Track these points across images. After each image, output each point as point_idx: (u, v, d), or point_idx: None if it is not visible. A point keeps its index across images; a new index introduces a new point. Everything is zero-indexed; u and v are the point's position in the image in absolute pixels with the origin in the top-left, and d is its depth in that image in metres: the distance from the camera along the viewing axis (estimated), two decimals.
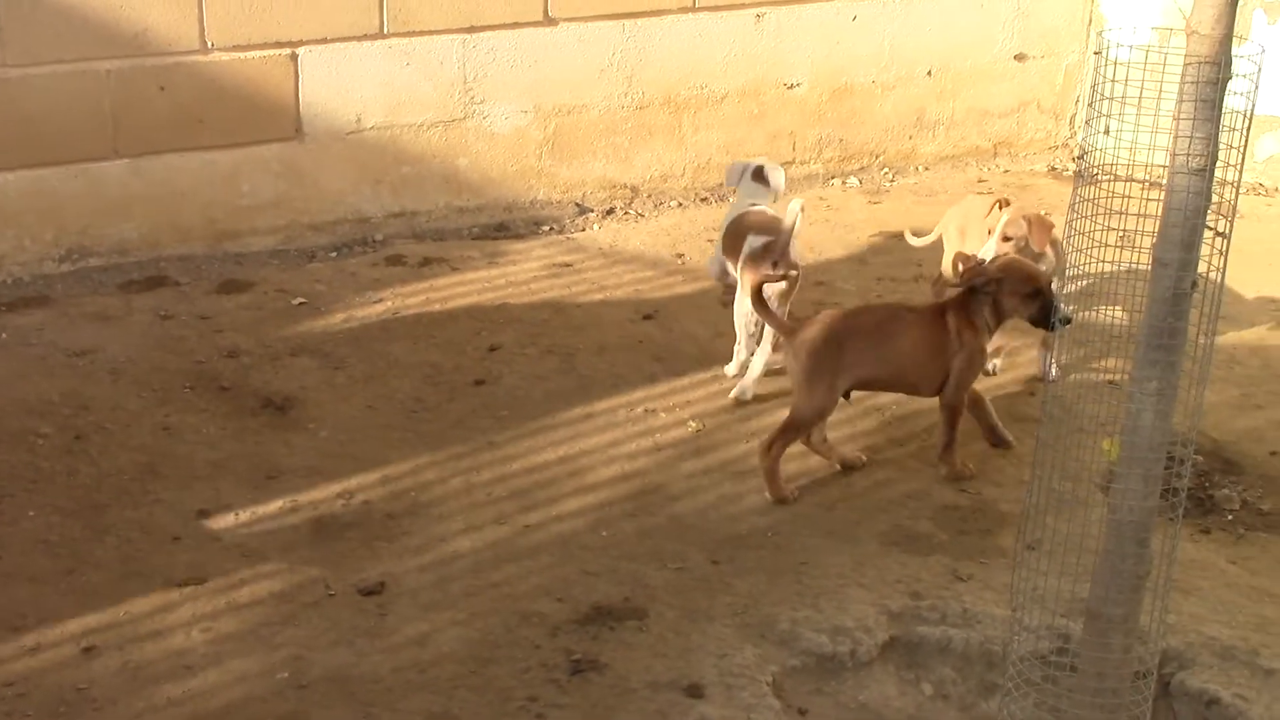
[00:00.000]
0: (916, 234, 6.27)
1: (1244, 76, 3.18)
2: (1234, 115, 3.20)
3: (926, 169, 8.27)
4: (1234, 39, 3.12)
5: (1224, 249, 3.30)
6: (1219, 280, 3.30)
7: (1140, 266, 3.34)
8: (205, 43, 6.55)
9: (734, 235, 5.82)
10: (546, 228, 7.28)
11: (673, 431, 5.39)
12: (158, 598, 4.34)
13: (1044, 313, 4.95)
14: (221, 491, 4.91)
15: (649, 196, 7.63)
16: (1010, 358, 5.91)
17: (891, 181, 8.11)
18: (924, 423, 5.43)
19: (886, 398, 5.55)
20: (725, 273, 5.79)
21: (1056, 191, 7.81)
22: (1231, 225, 3.31)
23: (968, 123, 8.37)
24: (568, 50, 7.27)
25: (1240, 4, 3.14)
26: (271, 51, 6.69)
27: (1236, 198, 3.30)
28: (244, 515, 4.79)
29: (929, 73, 8.18)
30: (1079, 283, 3.56)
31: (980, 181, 8.13)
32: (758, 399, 5.58)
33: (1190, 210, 3.18)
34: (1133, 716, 3.48)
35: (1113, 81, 3.28)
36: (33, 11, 6.22)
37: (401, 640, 4.18)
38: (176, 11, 6.46)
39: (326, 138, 6.90)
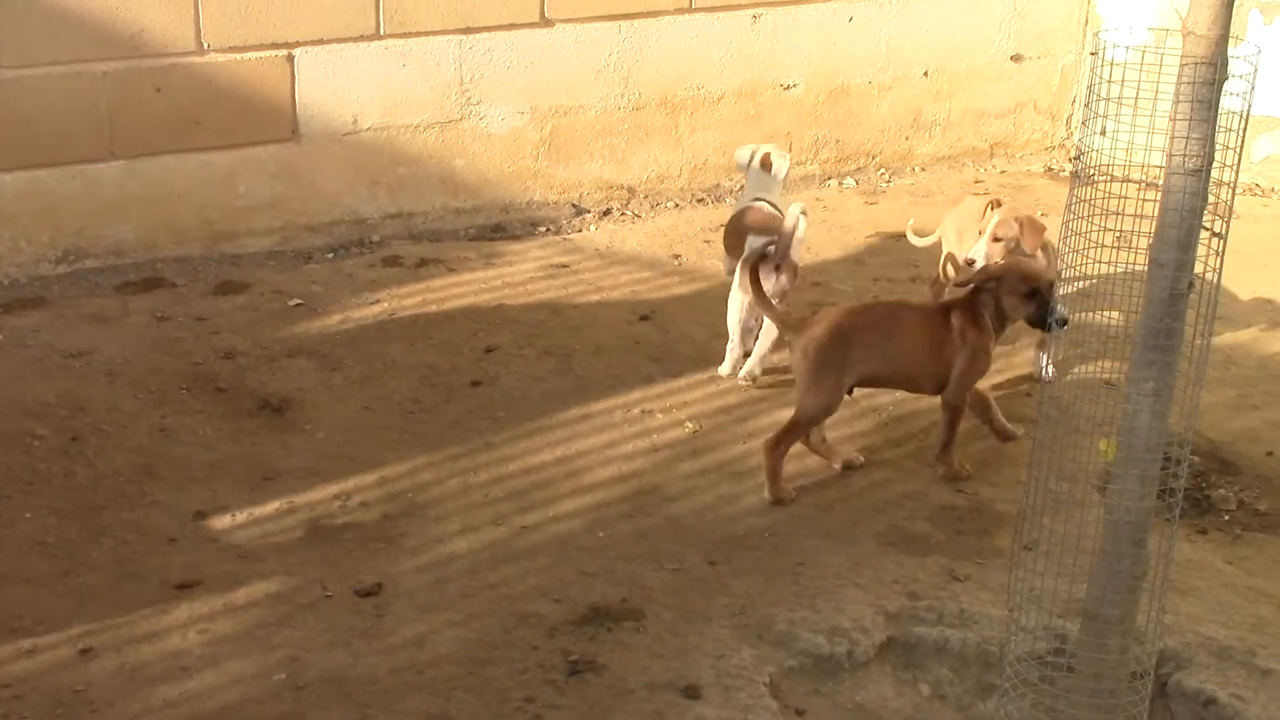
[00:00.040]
0: (919, 234, 6.27)
1: (1240, 77, 3.18)
2: (1230, 116, 3.20)
3: (923, 170, 8.27)
4: (1230, 39, 3.12)
5: (1220, 249, 3.30)
6: (1215, 281, 3.30)
7: (1137, 267, 3.35)
8: (201, 44, 6.55)
9: (734, 234, 5.84)
10: (543, 229, 7.28)
11: (669, 432, 5.39)
12: (154, 599, 4.34)
13: (1041, 313, 4.95)
14: (218, 493, 4.91)
15: (646, 197, 7.63)
16: (1007, 359, 5.91)
17: (888, 182, 8.12)
18: (921, 423, 5.44)
19: (884, 398, 5.56)
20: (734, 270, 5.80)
21: (1053, 192, 7.82)
22: (1228, 226, 3.31)
23: (964, 123, 8.38)
24: (564, 51, 7.27)
25: (1236, 4, 3.15)
26: (268, 53, 6.68)
27: (1233, 198, 3.30)
28: (241, 517, 4.79)
29: (925, 73, 8.19)
30: (1075, 283, 3.56)
31: (977, 182, 8.13)
32: (754, 399, 5.59)
33: (1187, 211, 3.18)
34: (1130, 717, 3.48)
35: (1109, 82, 3.28)
36: (28, 13, 6.22)
37: (398, 641, 4.18)
38: (172, 13, 6.46)
39: (323, 139, 6.90)
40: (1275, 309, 6.51)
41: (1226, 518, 4.99)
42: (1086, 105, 3.37)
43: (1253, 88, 3.21)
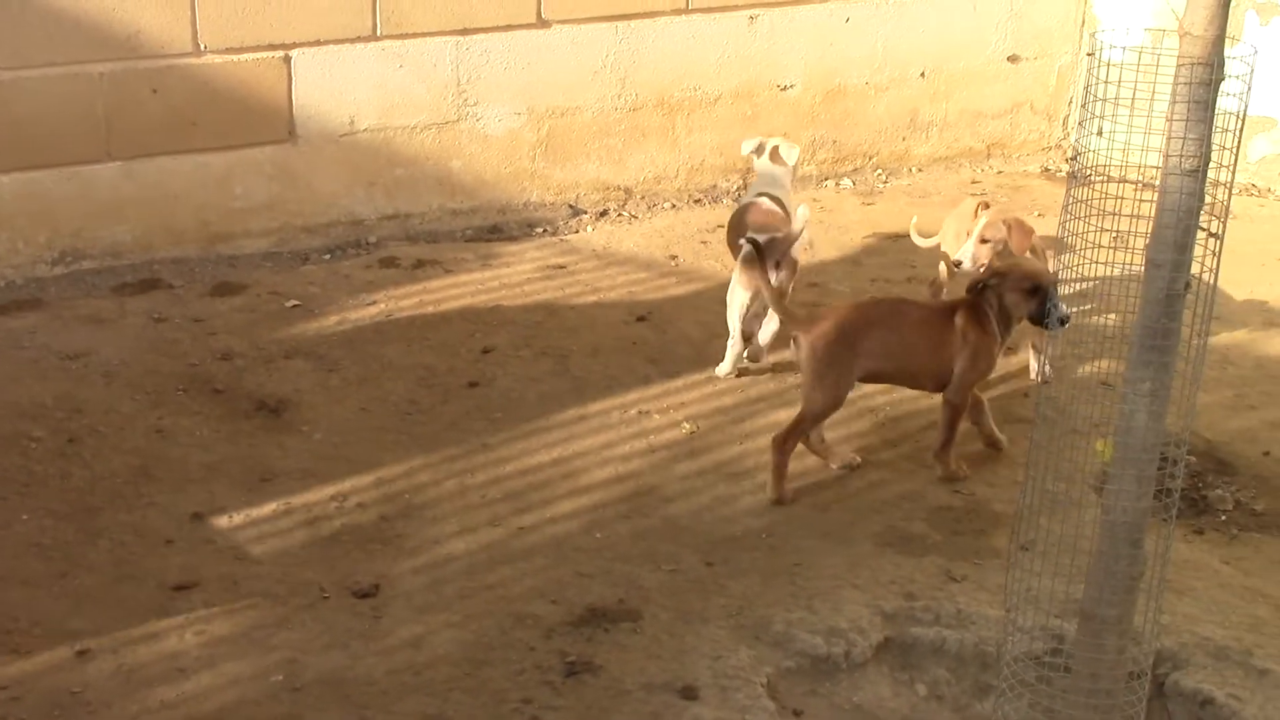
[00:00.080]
0: (922, 234, 6.29)
1: (1236, 77, 3.18)
2: (1226, 116, 3.21)
3: (920, 170, 8.27)
4: (1226, 40, 3.13)
5: (1217, 250, 3.30)
6: (1212, 281, 3.30)
7: (1134, 267, 3.35)
8: (198, 45, 6.54)
9: (735, 231, 5.85)
10: (540, 229, 7.28)
11: (667, 433, 5.39)
12: (152, 601, 4.34)
13: (1043, 310, 4.96)
14: (215, 494, 4.90)
15: (642, 198, 7.63)
16: (1004, 359, 5.90)
17: (885, 183, 8.12)
18: (918, 424, 5.44)
19: (881, 399, 5.56)
20: None
21: (1050, 193, 7.82)
22: (1224, 226, 3.31)
23: (961, 124, 8.38)
24: (561, 52, 7.27)
25: (1233, 5, 3.15)
26: (264, 54, 6.68)
27: (1229, 198, 3.31)
28: (238, 518, 4.78)
29: (922, 74, 8.19)
30: (1072, 284, 3.56)
31: (974, 183, 8.14)
32: (752, 400, 5.59)
33: (1183, 211, 3.19)
34: (1127, 717, 3.48)
35: (1106, 83, 3.28)
36: (24, 14, 6.21)
37: (396, 643, 4.18)
38: (169, 14, 6.45)
39: (320, 140, 6.90)
40: (1271, 309, 6.51)
41: (1223, 518, 4.99)
42: (1083, 106, 3.37)
43: (1249, 88, 3.21)
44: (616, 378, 5.74)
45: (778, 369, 5.79)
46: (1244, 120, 3.24)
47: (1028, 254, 5.49)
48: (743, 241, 5.47)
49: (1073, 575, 3.55)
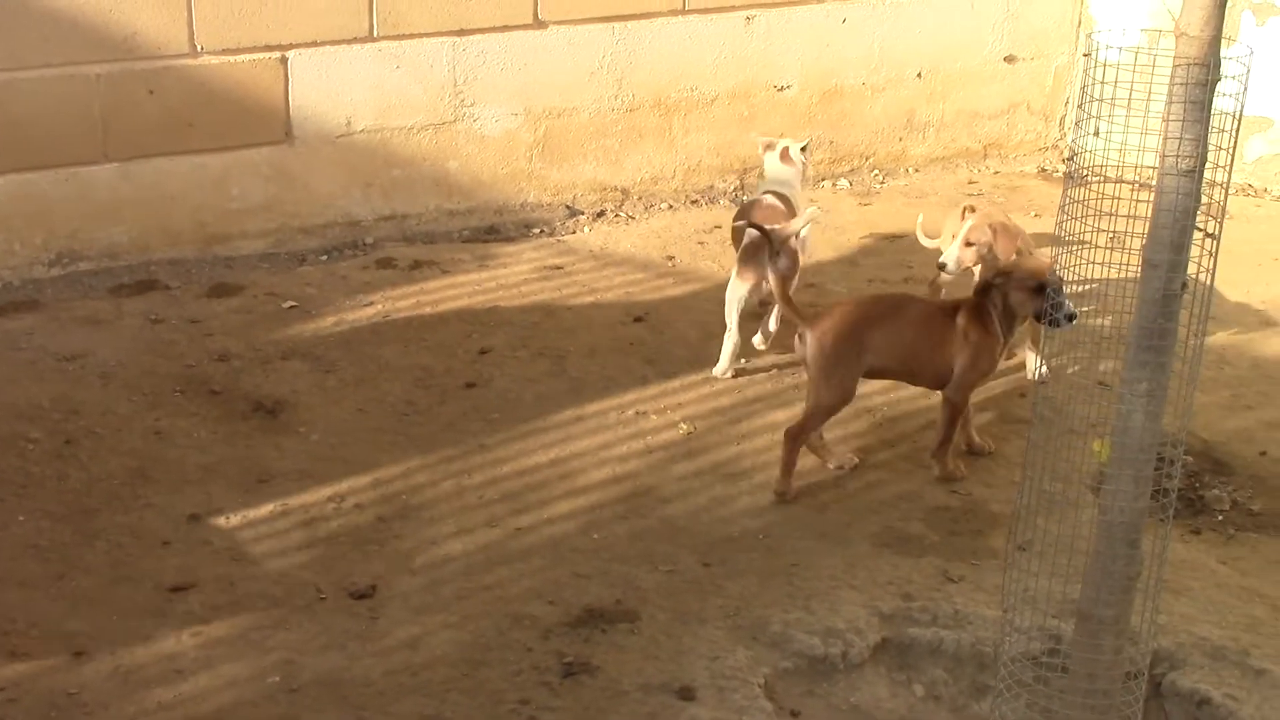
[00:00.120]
0: (928, 234, 6.30)
1: (1233, 78, 3.19)
2: (1223, 116, 3.21)
3: (917, 171, 8.28)
4: (1223, 40, 3.13)
5: (1214, 250, 3.30)
6: (1209, 281, 3.31)
7: (1130, 268, 3.35)
8: (195, 46, 6.54)
9: (738, 228, 5.85)
10: (537, 230, 7.28)
11: (664, 434, 5.39)
12: (149, 602, 4.33)
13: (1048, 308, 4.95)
14: (212, 496, 4.90)
15: (639, 199, 7.63)
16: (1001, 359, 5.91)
17: (882, 183, 8.12)
18: (915, 424, 5.44)
19: (879, 399, 5.56)
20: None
21: (1046, 193, 7.82)
22: (1221, 226, 3.31)
23: (958, 124, 8.38)
24: (558, 53, 7.27)
25: (1229, 5, 3.15)
26: (261, 55, 6.68)
27: (1226, 199, 3.31)
28: (235, 519, 4.78)
29: (919, 75, 8.19)
30: (1069, 284, 3.56)
31: (970, 183, 8.14)
32: (749, 400, 5.59)
33: (1180, 211, 3.19)
34: (1124, 717, 3.49)
35: (1102, 83, 3.28)
36: (20, 15, 6.21)
37: (393, 643, 4.17)
38: (166, 15, 6.45)
39: (316, 141, 6.89)
40: (1268, 309, 6.51)
41: (1220, 518, 4.99)
42: (1080, 106, 3.38)
43: (1245, 88, 3.22)
44: (613, 378, 5.74)
45: (775, 369, 5.79)
46: (1240, 120, 3.24)
47: (1014, 258, 5.50)
48: (741, 224, 5.49)
49: (1070, 575, 3.55)
